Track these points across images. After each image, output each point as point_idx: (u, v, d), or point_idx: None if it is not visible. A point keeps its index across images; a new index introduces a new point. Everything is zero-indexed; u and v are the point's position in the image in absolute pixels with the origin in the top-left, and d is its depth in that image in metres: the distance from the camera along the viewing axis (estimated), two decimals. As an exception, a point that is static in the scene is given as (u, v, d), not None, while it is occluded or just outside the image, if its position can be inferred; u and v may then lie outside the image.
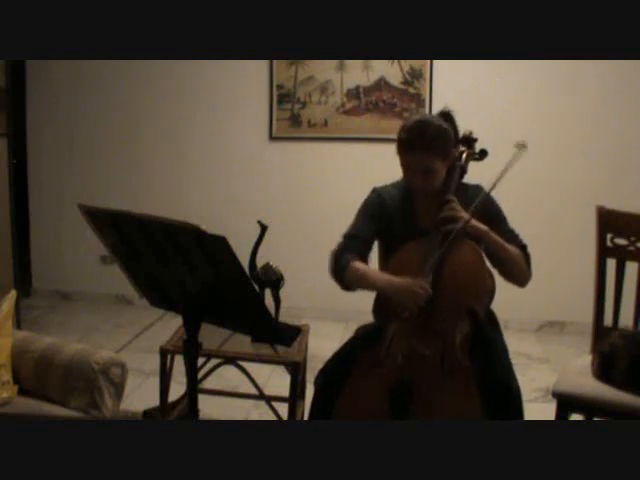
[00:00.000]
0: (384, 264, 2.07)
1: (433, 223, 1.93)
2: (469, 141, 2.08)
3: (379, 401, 1.78)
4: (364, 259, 2.00)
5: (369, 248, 2.05)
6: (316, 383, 1.98)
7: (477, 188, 2.05)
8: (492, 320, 2.06)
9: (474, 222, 1.89)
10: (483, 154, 2.08)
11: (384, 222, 2.05)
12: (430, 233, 1.92)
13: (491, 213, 2.00)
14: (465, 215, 1.87)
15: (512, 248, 1.95)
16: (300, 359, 2.35)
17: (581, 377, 2.09)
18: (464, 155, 2.05)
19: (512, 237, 2.00)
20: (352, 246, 2.00)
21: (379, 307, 2.02)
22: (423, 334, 1.82)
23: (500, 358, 1.96)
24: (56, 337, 2.24)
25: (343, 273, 1.94)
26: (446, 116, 2.00)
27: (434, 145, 1.89)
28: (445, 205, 1.90)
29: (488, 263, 1.95)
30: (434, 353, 1.81)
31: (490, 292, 1.96)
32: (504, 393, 1.84)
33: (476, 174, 2.09)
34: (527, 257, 2.00)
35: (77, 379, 2.01)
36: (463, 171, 2.05)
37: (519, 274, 1.98)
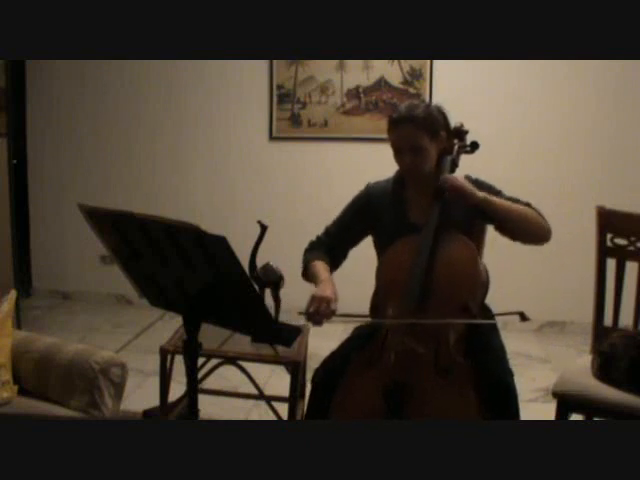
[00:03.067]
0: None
1: (424, 218, 1.94)
2: (460, 133, 2.07)
3: (374, 400, 1.78)
4: (336, 253, 2.09)
5: (344, 245, 2.12)
6: (313, 382, 1.98)
7: (465, 177, 2.04)
8: (487, 316, 2.05)
9: (471, 188, 1.87)
10: (474, 147, 2.07)
11: (371, 219, 2.08)
12: (421, 228, 1.92)
13: (483, 190, 1.95)
14: (461, 181, 1.88)
15: (518, 205, 1.94)
16: (300, 359, 2.35)
17: (581, 377, 2.09)
18: (455, 148, 2.04)
19: (514, 201, 1.97)
20: (322, 243, 2.12)
21: (376, 307, 2.02)
22: (417, 332, 1.81)
23: (495, 354, 1.95)
24: (56, 337, 2.24)
25: (306, 270, 2.07)
26: (437, 108, 2.01)
27: (421, 121, 1.92)
28: (441, 178, 1.91)
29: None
30: (428, 351, 1.80)
31: (484, 287, 1.95)
32: (499, 389, 1.83)
33: (476, 174, 2.09)
34: (538, 211, 1.98)
35: (77, 379, 2.01)
36: (454, 164, 2.03)
37: (536, 228, 1.94)
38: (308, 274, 2.05)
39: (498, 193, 2.01)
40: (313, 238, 2.16)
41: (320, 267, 2.01)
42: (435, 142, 1.96)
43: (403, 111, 1.95)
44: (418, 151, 1.93)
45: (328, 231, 2.14)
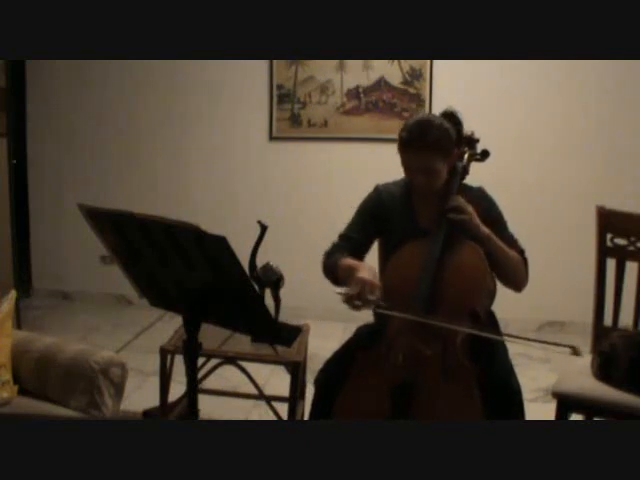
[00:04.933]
0: (384, 263, 2.07)
1: (433, 223, 1.93)
2: (471, 142, 2.08)
3: (379, 401, 1.78)
4: (355, 257, 1.98)
5: (362, 248, 2.06)
6: (316, 383, 1.98)
7: (479, 191, 2.05)
8: (492, 321, 2.06)
9: (478, 221, 1.89)
10: (485, 155, 2.08)
11: (382, 221, 2.06)
12: (431, 233, 1.92)
13: (492, 216, 2.00)
14: (470, 210, 1.88)
15: (512, 253, 1.95)
16: (300, 359, 2.35)
17: (581, 377, 2.09)
18: (466, 156, 2.05)
19: (511, 241, 2.00)
20: (343, 246, 2.03)
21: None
22: (424, 334, 1.81)
23: (501, 359, 1.96)
24: (56, 337, 2.24)
25: (335, 272, 1.94)
26: (449, 116, 2.00)
27: (435, 145, 1.88)
28: (451, 198, 1.90)
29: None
30: (435, 353, 1.80)
31: (491, 293, 1.96)
32: (505, 394, 1.84)
33: (476, 174, 2.09)
34: (525, 262, 2.01)
35: (77, 379, 2.01)
36: (465, 172, 2.04)
37: (517, 279, 1.99)
38: (339, 274, 1.91)
39: (504, 224, 2.03)
40: (327, 248, 2.06)
41: (353, 260, 1.90)
42: (447, 160, 1.93)
43: (415, 132, 1.87)
44: (431, 172, 1.91)
45: (343, 236, 2.06)
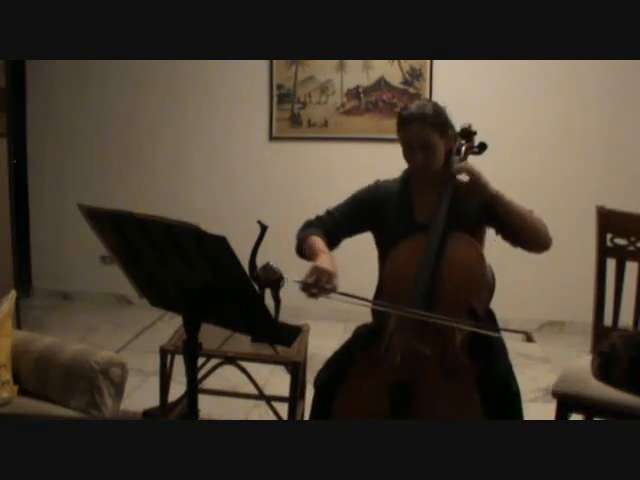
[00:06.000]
0: (382, 260, 2.07)
1: (430, 218, 1.93)
2: (468, 134, 2.07)
3: (378, 401, 1.78)
4: (331, 236, 2.04)
5: (342, 231, 2.09)
6: (316, 383, 1.98)
7: None
8: (490, 319, 2.05)
9: (485, 179, 1.88)
10: (482, 148, 2.07)
11: (375, 214, 2.06)
12: (428, 229, 1.92)
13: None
14: (477, 171, 1.88)
15: (526, 209, 1.94)
16: (300, 359, 2.35)
17: (581, 377, 2.09)
18: (463, 148, 2.05)
19: None
20: (323, 222, 2.08)
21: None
22: (423, 333, 1.81)
23: (500, 358, 1.96)
24: (56, 337, 2.24)
25: (301, 244, 2.02)
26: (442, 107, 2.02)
27: (433, 118, 1.93)
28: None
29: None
30: (434, 352, 1.80)
31: (490, 290, 1.95)
32: (504, 393, 1.84)
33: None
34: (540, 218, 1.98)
35: (77, 379, 2.01)
36: None
37: (539, 236, 1.96)
38: (304, 248, 2.00)
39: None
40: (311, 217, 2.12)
41: (320, 242, 1.97)
42: (444, 140, 1.96)
43: (413, 109, 1.96)
44: (429, 148, 1.93)
45: (329, 213, 2.11)
